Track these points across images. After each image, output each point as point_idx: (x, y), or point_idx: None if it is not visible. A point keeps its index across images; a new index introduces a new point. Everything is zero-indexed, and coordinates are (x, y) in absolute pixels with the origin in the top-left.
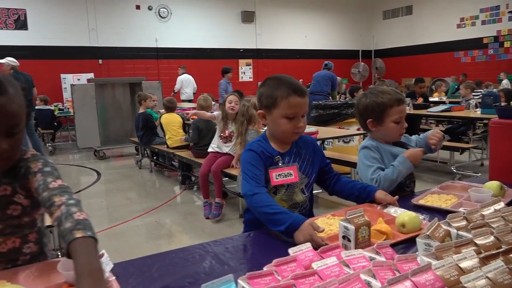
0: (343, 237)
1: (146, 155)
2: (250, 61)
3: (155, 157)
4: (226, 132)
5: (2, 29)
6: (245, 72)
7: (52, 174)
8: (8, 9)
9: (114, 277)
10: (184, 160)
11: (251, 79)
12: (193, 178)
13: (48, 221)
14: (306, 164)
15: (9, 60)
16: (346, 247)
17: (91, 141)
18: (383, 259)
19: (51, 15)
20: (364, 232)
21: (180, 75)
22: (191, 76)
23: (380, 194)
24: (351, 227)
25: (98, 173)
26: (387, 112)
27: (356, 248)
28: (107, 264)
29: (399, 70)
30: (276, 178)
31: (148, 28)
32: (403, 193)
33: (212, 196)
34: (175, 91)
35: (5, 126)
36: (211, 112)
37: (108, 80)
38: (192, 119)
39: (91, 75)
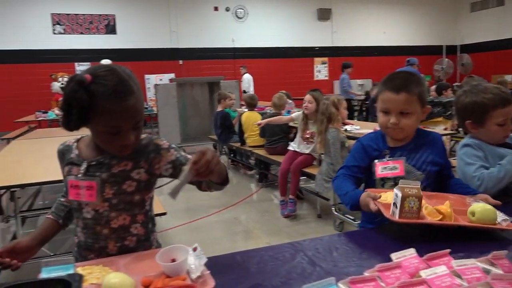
0: (394, 203)
1: (223, 152)
2: (326, 59)
3: (232, 155)
4: (307, 132)
5: (95, 34)
6: (321, 70)
7: (179, 149)
8: (100, 15)
9: (208, 271)
10: (262, 158)
11: (326, 78)
12: (269, 177)
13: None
14: (423, 161)
15: (105, 62)
16: (393, 214)
17: (172, 138)
18: (500, 271)
19: (137, 20)
20: (412, 203)
21: (242, 74)
22: (251, 76)
23: (481, 196)
24: (399, 195)
25: None
26: (490, 113)
27: (400, 216)
28: (200, 258)
29: (488, 66)
30: (381, 171)
31: (225, 28)
32: (508, 198)
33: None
34: (246, 91)
35: (134, 121)
36: (285, 112)
37: (189, 80)
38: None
39: (172, 75)
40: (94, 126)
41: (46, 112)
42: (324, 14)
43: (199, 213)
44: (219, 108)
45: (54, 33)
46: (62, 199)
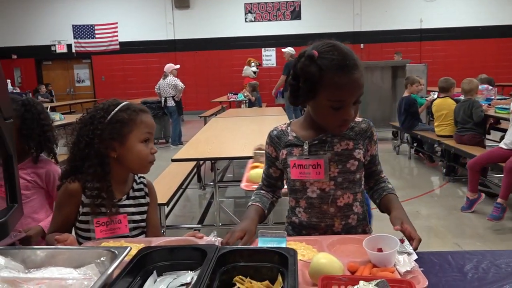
0: None
1: (406, 140)
2: None
3: (415, 144)
4: None
5: (281, 20)
6: None
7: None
8: (287, 1)
9: (421, 269)
10: (452, 150)
11: None
12: (458, 170)
13: None
14: None
15: (289, 49)
16: None
17: None
18: None
19: (321, 4)
20: None
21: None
22: None
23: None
24: None
25: None
26: None
27: None
28: (410, 254)
29: None
30: None
31: (413, 9)
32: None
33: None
34: None
35: (357, 95)
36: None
37: (372, 64)
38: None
39: None
40: (319, 101)
41: (236, 94)
42: None
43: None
44: (406, 94)
45: (246, 21)
46: (262, 191)
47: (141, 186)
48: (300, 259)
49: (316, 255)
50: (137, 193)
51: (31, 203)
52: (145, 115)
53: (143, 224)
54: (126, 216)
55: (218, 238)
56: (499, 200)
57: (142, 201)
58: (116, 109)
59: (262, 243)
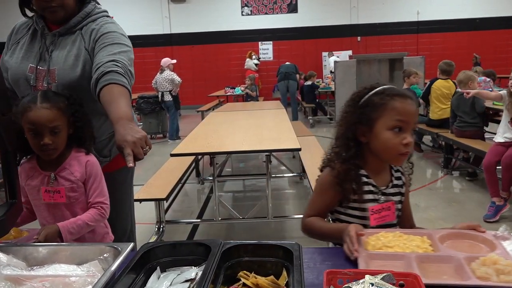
0: None
1: None
2: None
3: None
4: None
5: (277, 13)
6: None
7: None
8: None
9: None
10: (450, 142)
11: None
12: (455, 163)
13: None
14: None
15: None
16: None
17: None
18: None
19: None
20: None
21: None
22: None
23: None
24: None
25: None
26: None
27: None
28: None
29: None
30: None
31: (409, 1)
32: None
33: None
34: None
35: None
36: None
37: (369, 57)
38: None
39: (349, 53)
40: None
41: (234, 88)
42: None
43: None
44: (405, 86)
45: (242, 15)
46: None
47: (399, 174)
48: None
49: None
50: (397, 182)
51: (80, 204)
52: (401, 101)
53: (399, 214)
54: (394, 204)
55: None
56: (493, 198)
57: (401, 190)
58: (371, 93)
59: None
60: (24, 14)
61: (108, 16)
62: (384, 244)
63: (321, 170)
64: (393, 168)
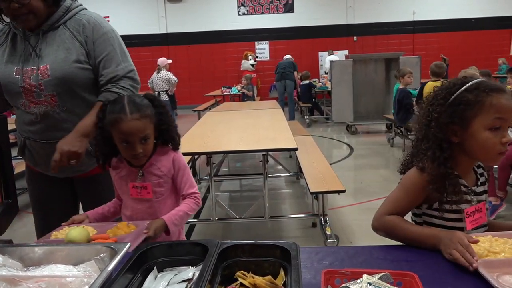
0: None
1: (400, 133)
2: None
3: (410, 136)
4: None
5: (274, 13)
6: None
7: None
8: None
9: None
10: None
11: None
12: None
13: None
14: None
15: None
16: None
17: (344, 116)
18: None
19: None
20: None
21: None
22: None
23: None
24: None
25: (351, 148)
26: None
27: None
28: None
29: None
30: None
31: (405, 1)
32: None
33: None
34: None
35: None
36: None
37: (366, 56)
38: None
39: (345, 52)
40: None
41: (230, 88)
42: None
43: (374, 194)
44: (400, 86)
45: (239, 15)
46: None
47: (481, 170)
48: None
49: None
50: (482, 179)
51: (164, 201)
52: (498, 97)
53: None
54: (485, 204)
55: None
56: (490, 198)
57: (485, 188)
58: (462, 89)
59: None
60: (1, 20)
61: (85, 9)
62: (487, 250)
63: (402, 172)
64: (474, 165)
